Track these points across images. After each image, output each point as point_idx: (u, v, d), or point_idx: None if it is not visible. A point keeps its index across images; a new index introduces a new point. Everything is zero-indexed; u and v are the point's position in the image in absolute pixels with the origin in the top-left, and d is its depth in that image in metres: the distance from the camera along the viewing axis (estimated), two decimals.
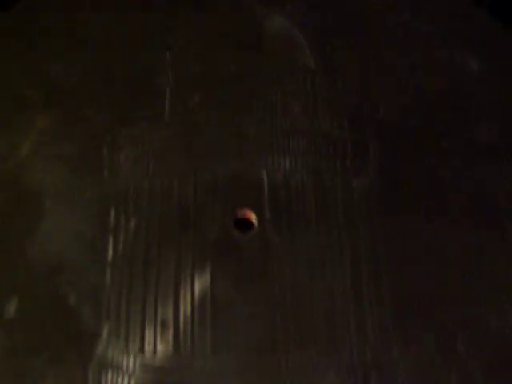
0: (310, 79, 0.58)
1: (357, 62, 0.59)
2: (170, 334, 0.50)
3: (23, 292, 0.50)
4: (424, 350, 0.49)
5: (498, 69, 0.59)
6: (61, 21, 0.59)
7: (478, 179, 0.54)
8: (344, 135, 0.56)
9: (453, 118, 0.56)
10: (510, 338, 0.50)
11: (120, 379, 0.49)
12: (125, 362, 0.50)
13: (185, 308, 0.50)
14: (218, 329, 0.50)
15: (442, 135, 0.56)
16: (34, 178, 0.55)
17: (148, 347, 0.50)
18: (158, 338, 0.50)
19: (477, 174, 0.55)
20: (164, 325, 0.50)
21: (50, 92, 0.57)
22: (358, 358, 0.49)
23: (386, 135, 0.56)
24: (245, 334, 0.50)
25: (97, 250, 0.52)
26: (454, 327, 0.50)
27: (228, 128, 0.56)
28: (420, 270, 0.51)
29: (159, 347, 0.50)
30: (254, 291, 0.50)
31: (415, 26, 0.61)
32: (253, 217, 0.53)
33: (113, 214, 0.54)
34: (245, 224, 0.53)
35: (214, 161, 0.55)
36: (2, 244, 0.52)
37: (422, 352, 0.49)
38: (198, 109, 0.56)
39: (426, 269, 0.51)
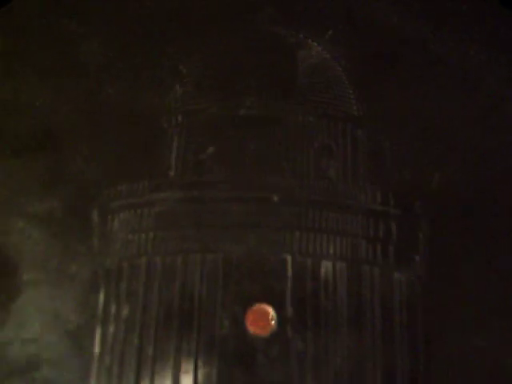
0: (350, 132, 0.48)
1: (408, 111, 0.49)
2: None
3: None
4: None
5: None
6: (48, 44, 0.49)
7: None
8: (388, 212, 0.46)
9: None
10: None
11: None
12: None
13: None
14: None
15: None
16: (8, 241, 0.46)
17: None
18: None
19: None
20: None
21: (31, 132, 0.48)
22: None
23: (440, 213, 0.47)
24: None
25: (81, 341, 0.44)
26: None
27: (246, 193, 0.47)
28: None
29: None
30: None
31: (477, 65, 0.51)
32: (271, 313, 0.44)
33: (102, 297, 0.44)
34: (261, 321, 0.45)
35: (227, 236, 0.45)
36: None
37: None
38: (212, 164, 0.47)
39: None
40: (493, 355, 0.44)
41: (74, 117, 0.47)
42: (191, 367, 0.42)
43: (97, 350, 0.43)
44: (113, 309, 0.43)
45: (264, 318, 0.43)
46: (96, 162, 0.46)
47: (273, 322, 0.43)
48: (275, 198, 0.45)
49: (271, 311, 0.43)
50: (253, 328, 0.43)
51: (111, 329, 0.43)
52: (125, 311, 0.43)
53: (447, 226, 0.45)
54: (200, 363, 0.42)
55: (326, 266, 0.44)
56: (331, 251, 0.44)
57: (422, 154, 0.46)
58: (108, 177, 0.45)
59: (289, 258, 0.44)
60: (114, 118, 0.47)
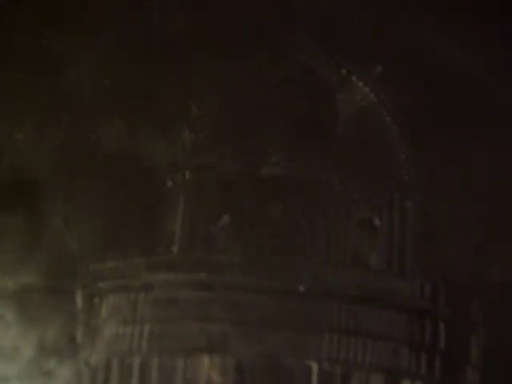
0: (398, 203, 0.39)
1: (473, 179, 0.40)
2: None
3: None
4: None
5: None
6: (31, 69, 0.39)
7: None
8: (437, 310, 0.39)
9: None
10: None
11: None
12: None
13: None
14: None
15: None
16: None
17: None
18: None
19: None
20: None
21: (5, 182, 0.39)
22: None
23: (500, 317, 0.39)
24: None
25: None
26: None
27: (266, 280, 0.38)
28: None
29: None
30: None
31: None
32: None
33: None
34: None
35: (239, 335, 0.38)
36: None
37: None
38: (225, 240, 0.38)
39: None
40: None
41: (57, 165, 0.38)
42: None
43: None
44: None
45: None
46: (82, 227, 0.38)
47: None
48: (301, 289, 0.37)
49: None
50: None
51: None
52: None
53: (508, 332, 0.38)
54: None
55: (358, 378, 0.37)
56: (366, 359, 0.37)
57: (485, 238, 0.38)
58: (96, 248, 0.37)
59: (314, 366, 0.37)
60: (106, 171, 0.38)
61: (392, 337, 0.36)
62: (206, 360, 0.36)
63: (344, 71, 0.39)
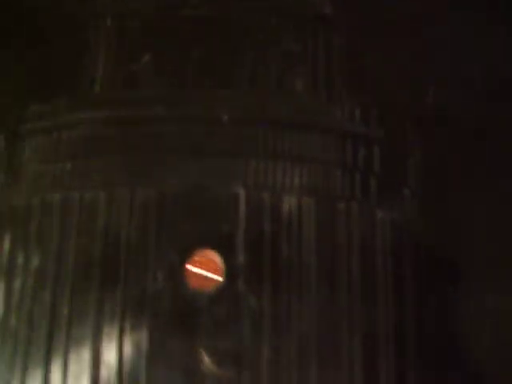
0: (323, 37, 0.38)
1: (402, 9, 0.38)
2: None
3: None
4: None
5: None
6: None
7: None
8: (370, 133, 0.37)
9: None
10: None
11: None
12: None
13: None
14: None
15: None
16: None
17: None
18: None
19: None
20: None
21: None
22: None
23: (436, 136, 0.37)
24: None
25: None
26: None
27: (188, 110, 0.37)
28: None
29: None
30: None
31: None
32: (217, 262, 0.36)
33: (7, 243, 0.35)
34: (204, 272, 0.36)
35: (162, 165, 0.35)
36: None
37: None
38: (147, 76, 0.36)
39: None
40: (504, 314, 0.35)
41: None
42: (115, 331, 0.33)
43: (0, 308, 0.35)
44: (20, 258, 0.35)
45: (208, 268, 0.35)
46: (3, 75, 0.37)
47: (219, 274, 0.35)
48: (225, 117, 0.36)
49: (217, 260, 0.35)
50: (194, 281, 0.34)
51: (17, 283, 0.34)
52: (35, 261, 0.34)
53: (444, 153, 0.36)
54: (127, 326, 0.33)
55: (289, 203, 0.35)
56: (296, 183, 0.35)
57: (416, 63, 0.37)
58: (18, 94, 0.37)
59: (241, 192, 0.35)
60: (26, 20, 0.38)
61: (323, 159, 0.35)
62: (127, 192, 0.35)
63: None
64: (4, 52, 0.37)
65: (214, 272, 0.34)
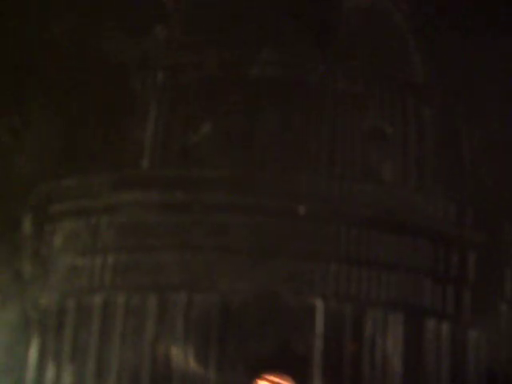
0: (413, 110, 0.33)
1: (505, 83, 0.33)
2: None
3: None
4: None
5: None
6: None
7: None
8: (465, 235, 0.32)
9: None
10: None
11: None
12: None
13: None
14: None
15: None
16: None
17: None
18: None
19: None
20: None
21: None
22: None
23: None
24: None
25: None
26: None
27: (258, 198, 0.32)
28: None
29: None
30: None
31: None
32: None
33: (34, 352, 0.30)
34: None
35: (225, 266, 0.31)
36: None
37: None
38: (207, 151, 0.31)
39: None
40: None
41: (3, 65, 0.31)
42: None
43: None
44: (50, 373, 0.29)
45: None
46: (31, 140, 0.31)
47: None
48: (302, 210, 0.31)
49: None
50: None
51: None
52: (68, 377, 0.29)
53: None
54: None
55: (373, 319, 0.31)
56: (382, 294, 0.31)
57: None
58: (49, 165, 0.30)
59: (319, 304, 0.30)
60: (61, 70, 0.31)
61: (412, 266, 0.30)
62: (184, 297, 0.30)
63: None
64: (32, 107, 0.31)
65: None
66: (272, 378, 0.29)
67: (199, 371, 0.29)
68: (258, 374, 0.29)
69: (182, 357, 0.29)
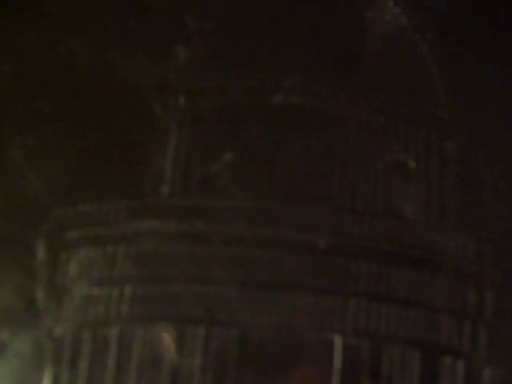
0: (436, 144, 0.32)
1: None
2: None
3: None
4: None
5: None
6: None
7: None
8: (483, 273, 0.32)
9: None
10: None
11: None
12: None
13: None
14: None
15: None
16: None
17: None
18: None
19: None
20: None
21: None
22: None
23: None
24: None
25: None
26: None
27: (278, 231, 0.31)
28: None
29: None
30: None
31: None
32: None
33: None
34: None
35: (245, 301, 0.30)
36: None
37: None
38: (228, 181, 0.31)
39: None
40: None
41: (15, 85, 0.30)
42: None
43: None
44: None
45: None
46: (47, 163, 0.30)
47: None
48: (322, 243, 0.31)
49: None
50: None
51: None
52: None
53: None
54: None
55: (390, 355, 0.31)
56: (400, 331, 0.31)
57: None
58: (64, 189, 0.29)
59: (338, 340, 0.30)
60: (77, 91, 0.30)
61: (430, 304, 0.30)
62: (202, 331, 0.29)
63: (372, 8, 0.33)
64: (46, 130, 0.30)
65: None
66: None
67: None
68: None
69: None
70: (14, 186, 0.29)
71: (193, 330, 0.28)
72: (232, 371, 0.29)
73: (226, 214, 0.29)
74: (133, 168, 0.29)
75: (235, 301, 0.29)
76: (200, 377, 0.28)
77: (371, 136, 0.31)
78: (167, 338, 0.28)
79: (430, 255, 0.30)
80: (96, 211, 0.29)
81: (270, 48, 0.31)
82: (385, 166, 0.31)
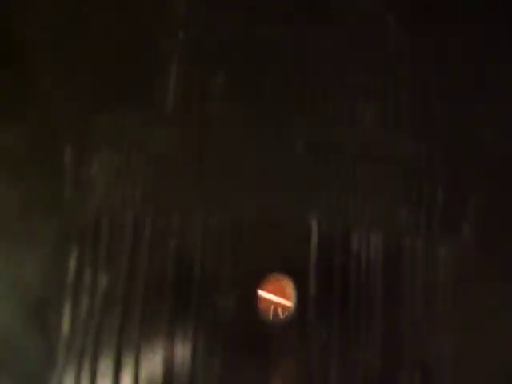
0: (391, 67, 0.39)
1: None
2: None
3: None
4: None
5: None
6: None
7: None
8: (434, 171, 0.38)
9: None
10: None
11: None
12: None
13: None
14: None
15: None
16: None
17: None
18: None
19: None
20: None
21: None
22: None
23: (499, 178, 0.39)
24: None
25: (45, 318, 0.34)
26: None
27: (265, 135, 0.37)
28: None
29: None
30: None
31: None
32: (289, 289, 0.37)
33: (73, 262, 0.35)
34: (277, 297, 0.37)
35: (236, 192, 0.37)
36: None
37: None
38: (220, 97, 0.37)
39: None
40: None
41: (49, 27, 0.36)
42: (188, 354, 0.34)
43: (65, 329, 0.34)
44: (87, 278, 0.34)
45: (280, 294, 0.35)
46: (72, 84, 0.36)
47: (290, 301, 0.35)
48: (300, 147, 0.37)
49: (289, 287, 0.35)
50: (266, 307, 0.35)
51: (85, 303, 0.34)
52: (103, 281, 0.34)
53: (505, 194, 0.38)
54: (199, 350, 0.34)
55: (358, 237, 0.36)
56: (366, 217, 0.36)
57: (479, 103, 0.38)
58: (87, 103, 0.36)
59: (314, 224, 0.36)
60: (99, 32, 0.36)
61: (390, 194, 0.36)
62: (202, 216, 0.35)
63: None
64: (73, 60, 0.36)
65: (286, 298, 0.35)
66: (275, 281, 0.35)
67: (214, 276, 0.34)
68: (265, 279, 0.34)
69: (199, 264, 0.34)
70: (45, 108, 0.35)
71: (193, 216, 0.34)
72: (227, 250, 0.34)
73: (220, 119, 0.35)
74: (143, 86, 0.35)
75: (230, 192, 0.34)
76: (200, 256, 0.34)
77: (340, 61, 0.37)
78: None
79: (389, 156, 0.36)
80: (112, 122, 0.35)
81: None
82: (350, 85, 0.37)
